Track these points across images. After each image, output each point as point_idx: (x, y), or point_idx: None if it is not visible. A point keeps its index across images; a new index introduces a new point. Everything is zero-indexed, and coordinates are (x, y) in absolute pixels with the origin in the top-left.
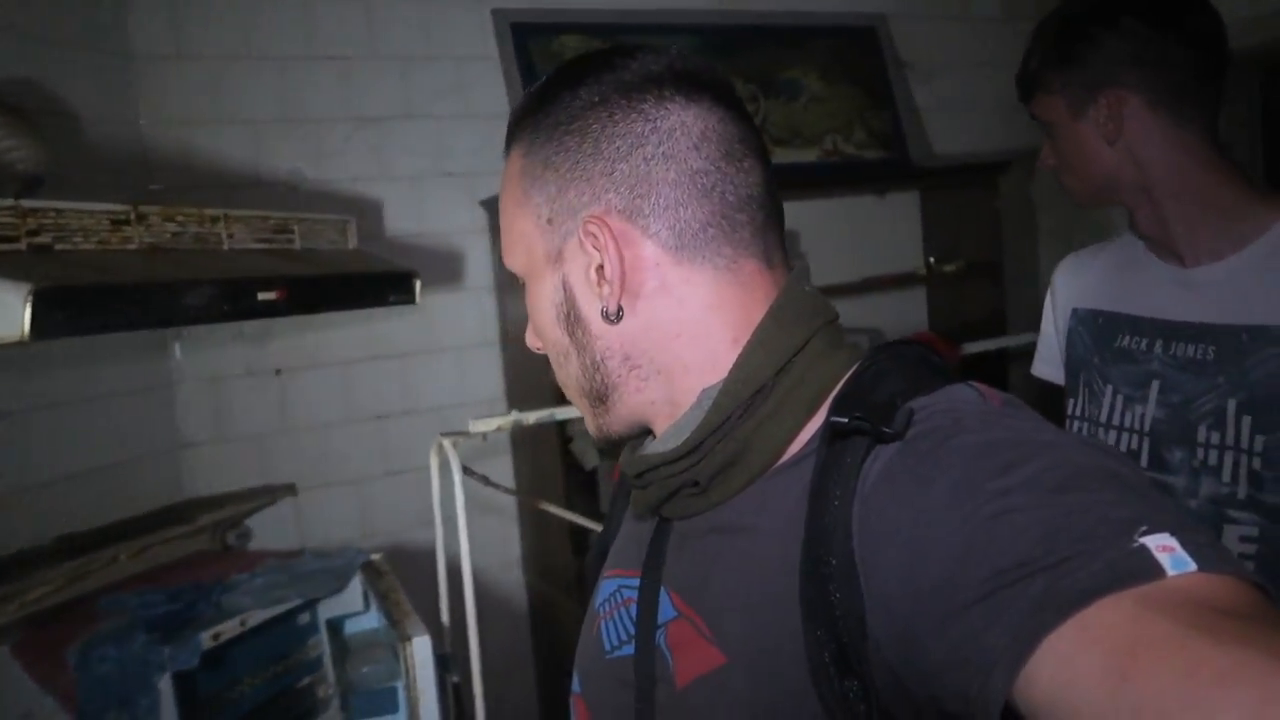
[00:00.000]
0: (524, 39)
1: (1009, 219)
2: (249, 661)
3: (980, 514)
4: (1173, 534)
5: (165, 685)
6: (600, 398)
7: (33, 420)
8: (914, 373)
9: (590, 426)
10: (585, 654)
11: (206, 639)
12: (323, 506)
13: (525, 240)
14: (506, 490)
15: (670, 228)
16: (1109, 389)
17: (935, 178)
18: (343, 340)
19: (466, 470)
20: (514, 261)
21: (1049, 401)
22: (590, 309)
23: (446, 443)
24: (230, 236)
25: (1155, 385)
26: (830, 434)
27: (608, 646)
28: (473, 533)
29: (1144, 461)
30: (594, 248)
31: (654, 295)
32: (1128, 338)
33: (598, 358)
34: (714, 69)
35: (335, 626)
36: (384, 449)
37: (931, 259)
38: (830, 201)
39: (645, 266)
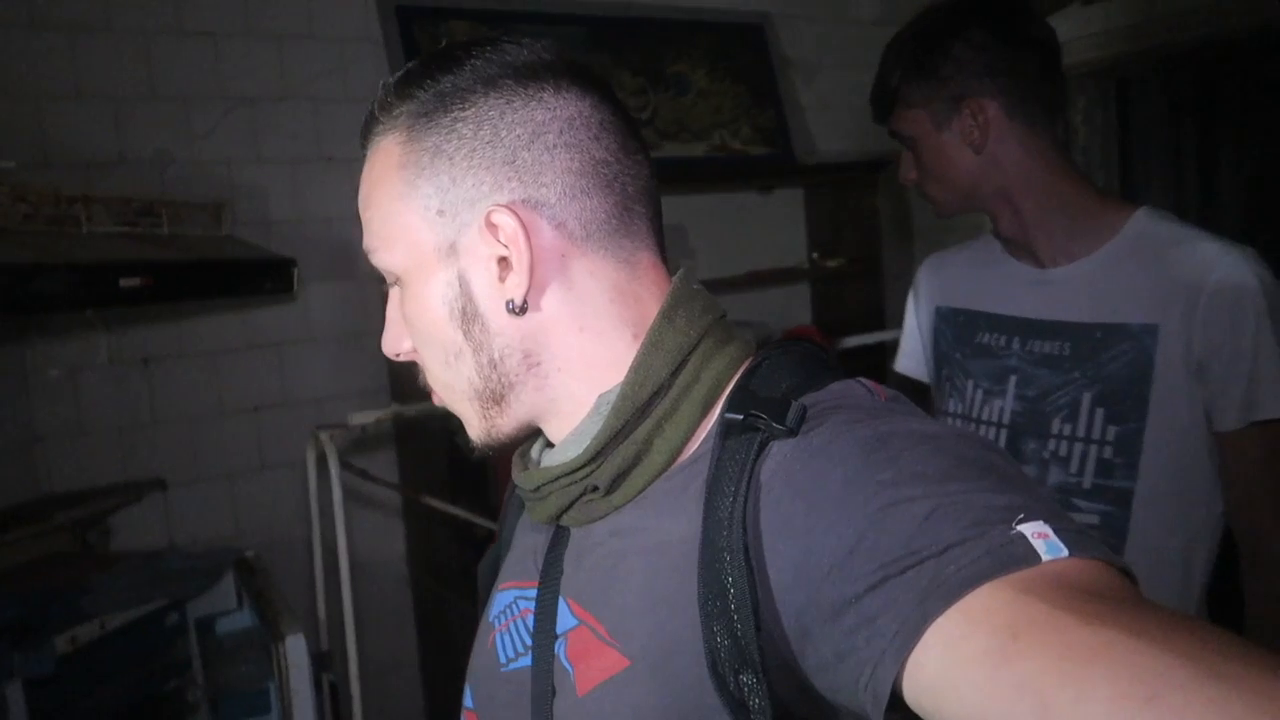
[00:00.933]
0: (409, 23)
1: (887, 217)
2: (110, 666)
3: (871, 505)
4: (1046, 521)
5: (15, 694)
6: (496, 398)
7: None
8: (804, 369)
9: (476, 431)
10: (478, 667)
11: (62, 643)
12: (193, 503)
13: (408, 235)
14: (388, 484)
15: (576, 218)
16: (970, 383)
17: (818, 174)
18: (216, 329)
19: (345, 464)
20: (390, 259)
21: (914, 397)
22: (490, 303)
23: (324, 435)
24: (89, 219)
25: (1013, 380)
26: (725, 430)
27: (503, 659)
28: (354, 528)
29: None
30: (498, 239)
31: (558, 288)
32: (987, 334)
33: (496, 355)
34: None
35: (207, 626)
36: (259, 442)
37: (815, 255)
38: (717, 196)
39: (550, 258)
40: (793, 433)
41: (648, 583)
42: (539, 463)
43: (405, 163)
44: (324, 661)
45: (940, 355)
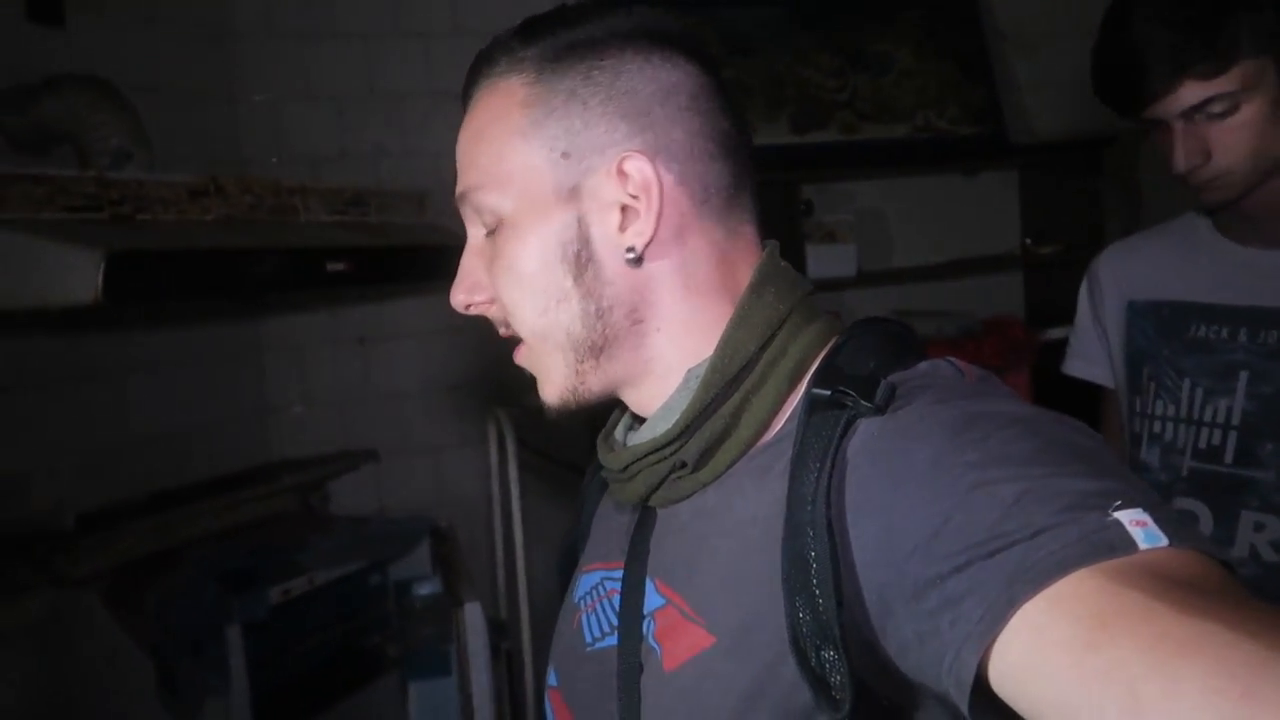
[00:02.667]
0: None
1: (1112, 199)
2: (318, 617)
3: (958, 486)
4: (1145, 509)
5: (234, 636)
6: (595, 350)
7: (130, 379)
8: (890, 348)
9: (560, 386)
10: (563, 648)
11: (276, 594)
12: (401, 473)
13: (526, 173)
14: (556, 461)
15: (699, 179)
16: (1186, 381)
17: (1033, 155)
18: (421, 311)
19: (522, 441)
20: (497, 197)
21: (1085, 401)
22: (606, 250)
23: (502, 413)
24: (306, 209)
25: (1243, 376)
26: (810, 407)
27: (589, 639)
28: (539, 504)
29: (1229, 456)
30: (626, 187)
31: (673, 245)
32: (1203, 327)
33: (604, 304)
34: None
35: (404, 589)
36: (459, 418)
37: (1028, 240)
38: (919, 180)
39: (672, 214)
40: (880, 411)
41: (731, 560)
42: (624, 443)
43: (531, 102)
44: (500, 629)
45: (1138, 353)
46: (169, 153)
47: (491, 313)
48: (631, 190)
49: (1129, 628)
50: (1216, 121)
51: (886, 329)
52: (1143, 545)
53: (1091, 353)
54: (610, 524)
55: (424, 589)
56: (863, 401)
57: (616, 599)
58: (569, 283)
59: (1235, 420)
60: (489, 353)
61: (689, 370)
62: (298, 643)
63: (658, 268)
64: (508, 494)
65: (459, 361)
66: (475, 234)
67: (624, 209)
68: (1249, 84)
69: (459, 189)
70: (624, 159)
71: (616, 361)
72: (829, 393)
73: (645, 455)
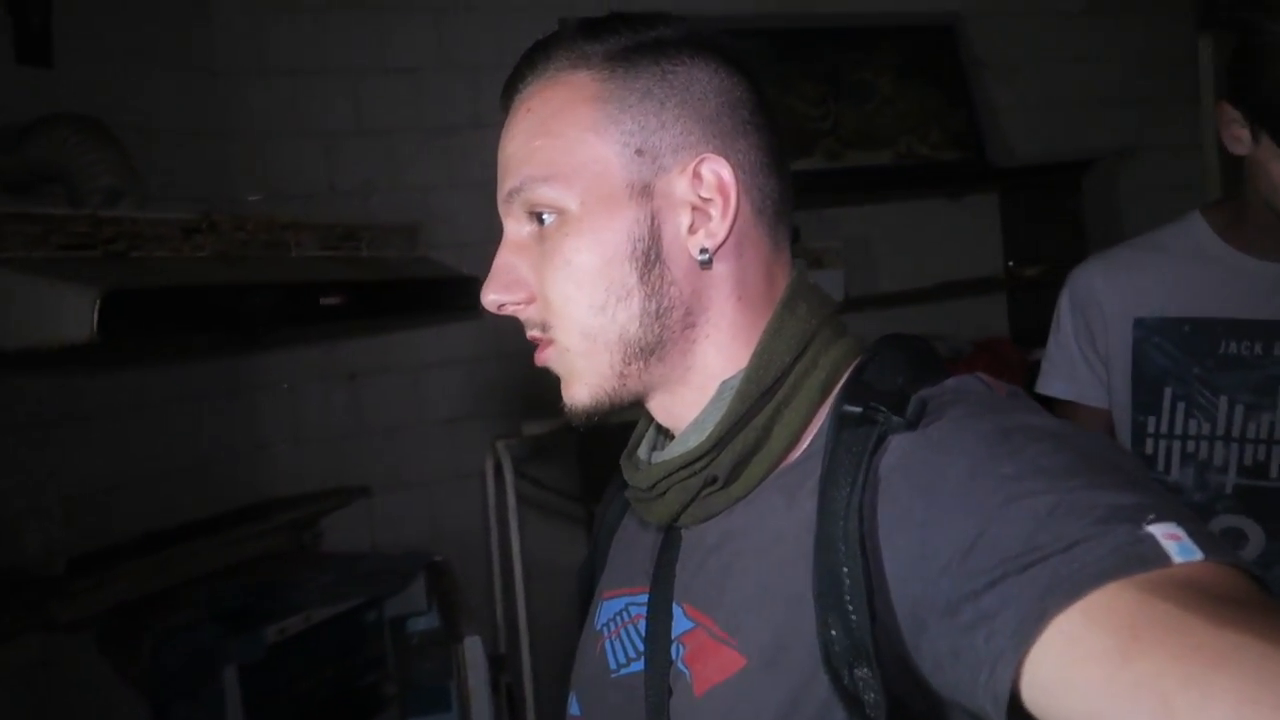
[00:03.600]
0: None
1: (1094, 221)
2: (315, 657)
3: (992, 500)
4: (1179, 524)
5: (230, 676)
6: (647, 351)
7: (124, 420)
8: (916, 364)
9: (599, 386)
10: (586, 675)
11: (272, 633)
12: (395, 508)
13: (597, 168)
14: (557, 492)
15: (760, 190)
16: (1223, 399)
17: (1014, 179)
18: (413, 345)
19: (520, 473)
20: (563, 190)
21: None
22: (674, 250)
23: (500, 445)
24: (298, 244)
25: None
26: (840, 423)
27: (614, 665)
28: (535, 536)
29: (1275, 470)
30: (699, 189)
31: (732, 252)
32: (1233, 343)
33: (666, 304)
34: None
35: (399, 625)
36: (453, 452)
37: (1011, 263)
38: (904, 205)
39: (739, 222)
40: (912, 426)
41: (762, 579)
42: (649, 461)
43: (605, 97)
44: (500, 664)
45: (1157, 372)
46: (159, 190)
47: (527, 313)
48: (704, 193)
49: (1162, 639)
50: None
51: (911, 345)
52: (1177, 559)
53: (1077, 372)
54: (632, 548)
55: (421, 624)
56: (894, 417)
57: (642, 624)
58: (634, 279)
59: (1276, 434)
60: (482, 385)
61: (723, 382)
62: (294, 683)
63: (719, 272)
64: (506, 526)
65: (451, 395)
66: (516, 231)
67: (694, 210)
68: None
69: (512, 183)
70: (701, 160)
71: (663, 365)
72: (860, 409)
73: (677, 470)
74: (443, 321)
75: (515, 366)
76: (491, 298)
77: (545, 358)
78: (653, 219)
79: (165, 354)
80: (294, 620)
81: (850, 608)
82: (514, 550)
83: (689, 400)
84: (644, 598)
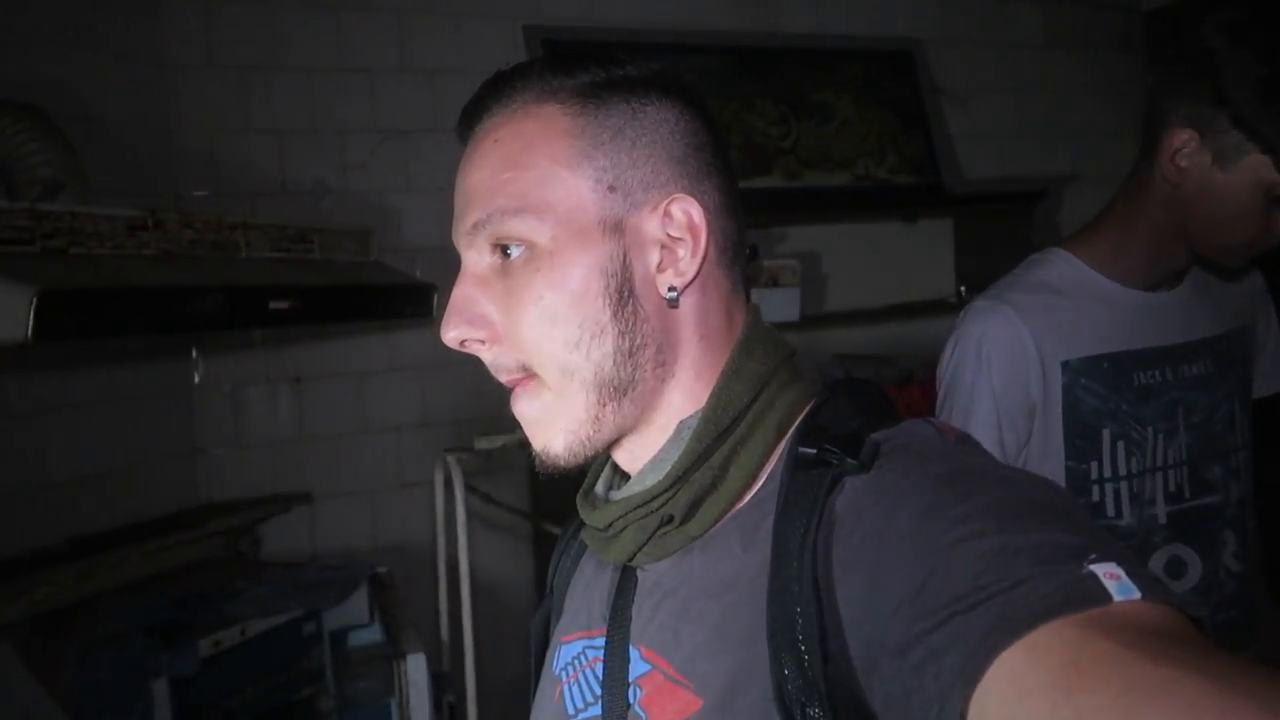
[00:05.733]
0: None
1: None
2: (249, 670)
3: (941, 541)
4: (1119, 564)
5: (161, 691)
6: (620, 391)
7: (48, 420)
8: (871, 408)
9: (574, 431)
10: None
11: (206, 646)
12: (337, 516)
13: (571, 201)
14: (509, 508)
15: (722, 231)
16: (1149, 430)
17: (968, 204)
18: (361, 350)
19: (470, 487)
20: (535, 224)
21: None
22: (644, 288)
23: (451, 459)
24: (248, 245)
25: (1180, 411)
26: (795, 465)
27: (572, 710)
28: (483, 551)
29: (1188, 491)
30: (669, 227)
31: (696, 291)
32: (1142, 373)
33: (638, 342)
34: None
35: (340, 639)
36: (399, 461)
37: (963, 288)
38: (859, 226)
39: (704, 262)
40: (865, 468)
41: (718, 620)
42: (606, 500)
43: (578, 133)
44: (443, 682)
45: (1092, 415)
46: (102, 185)
47: (491, 353)
48: (674, 231)
49: (1103, 674)
50: None
51: (864, 390)
52: (1117, 597)
53: (1018, 424)
54: (590, 591)
55: (363, 638)
56: (848, 459)
57: (599, 667)
58: (607, 316)
59: (1184, 456)
60: (431, 393)
61: (680, 422)
62: (227, 697)
63: (684, 311)
64: (454, 540)
65: (398, 402)
66: (477, 262)
67: (663, 248)
68: None
69: (477, 214)
70: (672, 200)
71: (634, 406)
72: (814, 450)
73: (634, 509)
74: (394, 329)
75: (464, 376)
76: (453, 334)
77: (523, 401)
78: (625, 255)
79: (99, 352)
80: (229, 633)
81: (803, 648)
82: (462, 567)
83: (651, 441)
84: (601, 640)
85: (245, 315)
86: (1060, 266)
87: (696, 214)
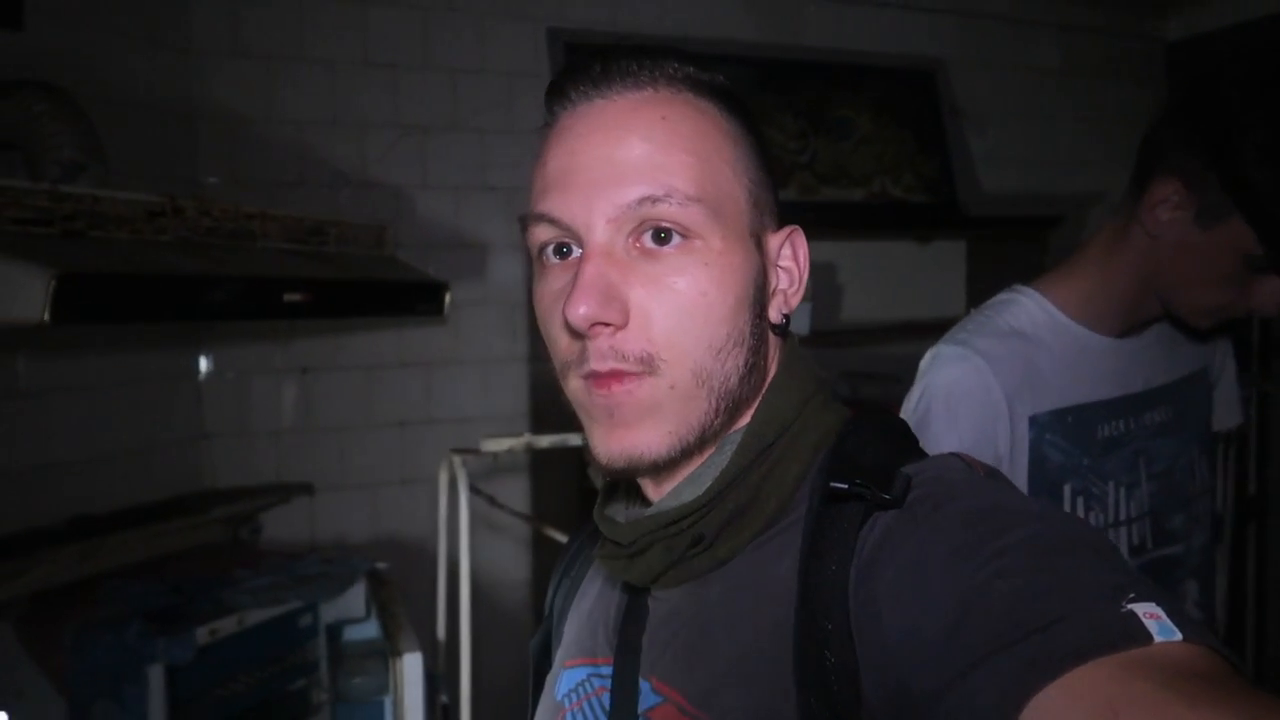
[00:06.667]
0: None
1: None
2: (244, 660)
3: (976, 578)
4: (1158, 604)
5: (156, 677)
6: (733, 405)
7: (57, 401)
8: (896, 442)
9: (682, 433)
10: None
11: (203, 634)
12: (338, 508)
13: (733, 205)
14: (512, 512)
15: None
16: (1110, 485)
17: (982, 227)
18: (371, 345)
19: (474, 489)
20: (709, 216)
21: None
22: (769, 308)
23: (456, 459)
24: (264, 235)
25: (1142, 462)
26: (825, 498)
27: None
28: (482, 552)
29: (1150, 543)
30: (782, 258)
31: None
32: (1106, 425)
33: (757, 361)
34: None
35: (335, 632)
36: (402, 457)
37: (973, 310)
38: (874, 243)
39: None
40: (898, 504)
41: (738, 651)
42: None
43: (736, 138)
44: (437, 683)
45: (1055, 471)
46: (122, 168)
47: (617, 339)
48: (784, 261)
49: (1140, 715)
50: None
51: (888, 421)
52: (1158, 638)
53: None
54: (595, 615)
55: (358, 633)
56: (882, 494)
57: (606, 697)
58: (748, 329)
59: (1147, 507)
60: (437, 390)
61: (725, 437)
62: (221, 685)
63: (776, 338)
64: (456, 541)
65: (404, 398)
66: (616, 241)
67: (781, 272)
68: None
69: (648, 190)
70: (794, 231)
71: (729, 423)
72: (846, 485)
73: (666, 525)
74: (405, 325)
75: (470, 375)
76: (583, 311)
77: (627, 394)
78: (765, 271)
79: (110, 336)
80: (227, 622)
81: (835, 689)
82: (463, 569)
83: (693, 460)
84: (608, 669)
85: (259, 306)
86: (1031, 310)
87: (803, 251)
